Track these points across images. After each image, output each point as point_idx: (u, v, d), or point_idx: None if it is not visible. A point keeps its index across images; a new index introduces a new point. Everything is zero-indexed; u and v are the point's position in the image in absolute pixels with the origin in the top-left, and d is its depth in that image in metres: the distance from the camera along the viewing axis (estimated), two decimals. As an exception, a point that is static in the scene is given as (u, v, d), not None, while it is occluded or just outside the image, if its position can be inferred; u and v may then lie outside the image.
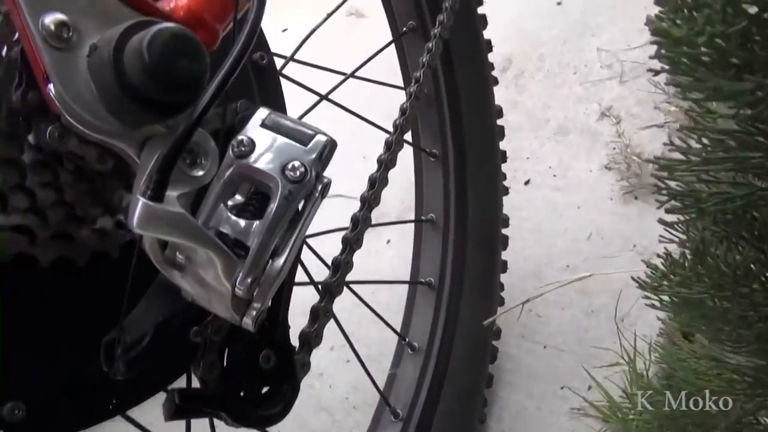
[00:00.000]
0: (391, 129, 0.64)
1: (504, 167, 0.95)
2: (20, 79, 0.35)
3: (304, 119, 0.66)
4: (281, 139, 0.39)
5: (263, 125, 0.40)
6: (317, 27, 0.76)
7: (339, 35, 1.65)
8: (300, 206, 0.40)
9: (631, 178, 1.09)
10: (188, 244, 0.35)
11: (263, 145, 0.39)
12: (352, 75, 0.74)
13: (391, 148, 0.63)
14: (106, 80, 0.34)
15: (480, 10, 0.86)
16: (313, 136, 0.40)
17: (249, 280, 0.37)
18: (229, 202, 0.39)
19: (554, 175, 1.15)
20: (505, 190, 0.93)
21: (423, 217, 0.88)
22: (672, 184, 0.42)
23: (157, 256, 0.37)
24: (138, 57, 0.32)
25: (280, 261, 0.40)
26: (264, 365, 0.47)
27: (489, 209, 0.90)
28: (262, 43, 0.59)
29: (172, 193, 0.35)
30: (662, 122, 1.16)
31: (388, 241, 1.17)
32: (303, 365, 0.51)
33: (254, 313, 0.40)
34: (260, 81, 0.58)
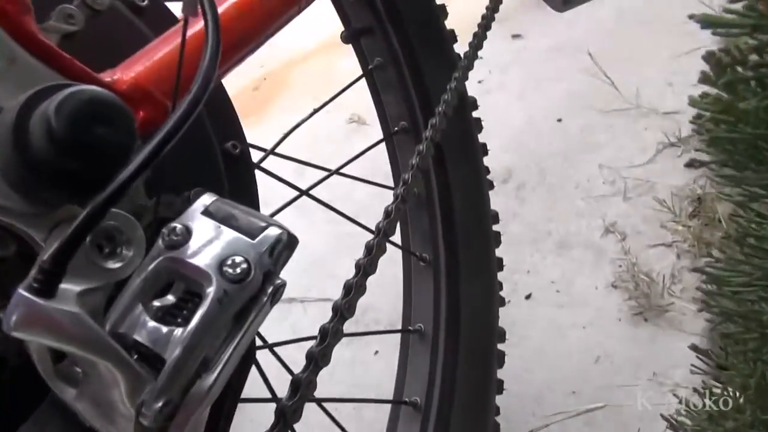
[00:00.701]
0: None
1: (504, 280, 0.88)
2: None
3: (279, 216, 0.60)
4: (225, 230, 0.33)
5: (206, 212, 0.33)
6: (301, 122, 0.72)
7: (339, 141, 1.65)
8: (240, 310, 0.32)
9: (639, 298, 1.01)
10: (79, 353, 0.27)
11: (202, 235, 0.32)
12: (337, 171, 0.70)
13: (371, 253, 0.56)
14: (6, 149, 0.28)
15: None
16: (263, 228, 0.33)
17: (159, 404, 0.29)
18: (156, 303, 0.31)
19: (557, 291, 1.08)
20: (502, 301, 0.86)
21: (410, 327, 0.79)
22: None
23: (45, 367, 0.29)
24: (44, 122, 0.27)
25: (210, 379, 0.32)
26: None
27: (484, 321, 0.81)
28: (236, 132, 0.54)
29: (72, 288, 0.28)
30: (670, 241, 1.10)
31: (377, 352, 1.07)
32: None
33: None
34: (231, 171, 0.52)
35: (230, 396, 0.41)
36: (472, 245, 0.83)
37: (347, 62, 2.05)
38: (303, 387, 0.45)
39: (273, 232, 0.33)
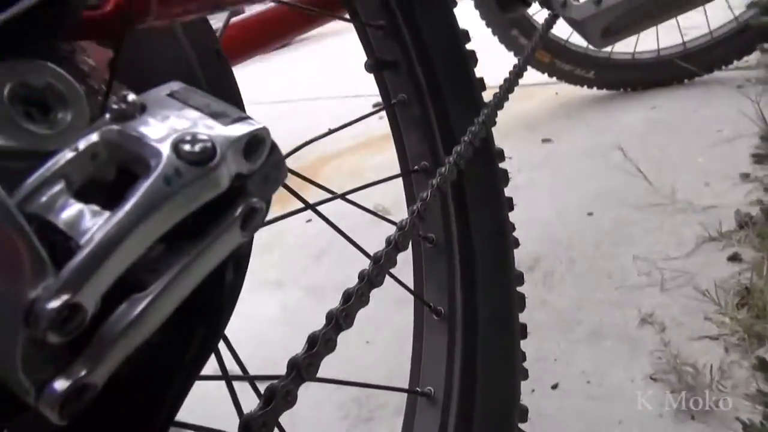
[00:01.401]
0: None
1: (528, 369, 0.77)
2: None
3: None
4: (189, 110, 0.26)
5: (170, 95, 0.27)
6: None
7: (362, 228, 1.60)
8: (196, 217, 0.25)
9: (684, 393, 0.87)
10: None
11: (159, 112, 0.25)
12: (342, 196, 0.64)
13: (363, 280, 0.48)
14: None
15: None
16: (241, 119, 0.26)
17: (56, 304, 0.21)
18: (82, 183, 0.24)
19: (588, 382, 0.95)
20: (525, 374, 0.74)
21: (418, 389, 0.68)
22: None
23: None
24: None
25: (137, 309, 0.23)
26: None
27: (502, 394, 0.69)
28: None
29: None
30: (716, 334, 0.98)
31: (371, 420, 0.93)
32: None
33: (65, 383, 0.22)
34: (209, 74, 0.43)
35: (184, 357, 0.31)
36: (494, 305, 0.73)
37: (377, 160, 2.07)
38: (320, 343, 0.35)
39: (253, 125, 0.26)
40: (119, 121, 0.25)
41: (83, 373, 0.22)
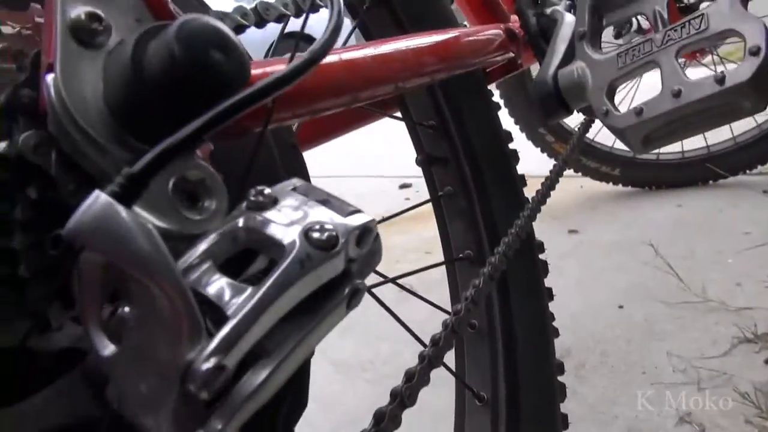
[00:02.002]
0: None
1: None
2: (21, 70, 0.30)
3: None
4: (314, 204, 0.30)
5: (294, 189, 0.31)
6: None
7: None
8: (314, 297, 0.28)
9: (730, 499, 0.85)
10: (140, 275, 0.24)
11: (289, 204, 0.30)
12: (393, 280, 0.67)
13: (413, 380, 0.50)
14: (122, 77, 0.28)
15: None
16: (355, 212, 0.31)
17: (211, 365, 0.24)
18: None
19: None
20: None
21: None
22: None
23: (91, 310, 0.25)
24: (164, 46, 0.27)
25: (263, 373, 0.27)
26: None
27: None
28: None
29: (147, 217, 0.26)
30: (759, 439, 0.96)
31: None
32: None
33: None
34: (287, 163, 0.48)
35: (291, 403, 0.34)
36: (535, 393, 0.74)
37: (402, 239, 2.12)
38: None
39: (365, 218, 0.31)
40: (256, 210, 0.29)
41: (219, 427, 0.25)
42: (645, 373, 1.18)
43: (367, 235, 0.30)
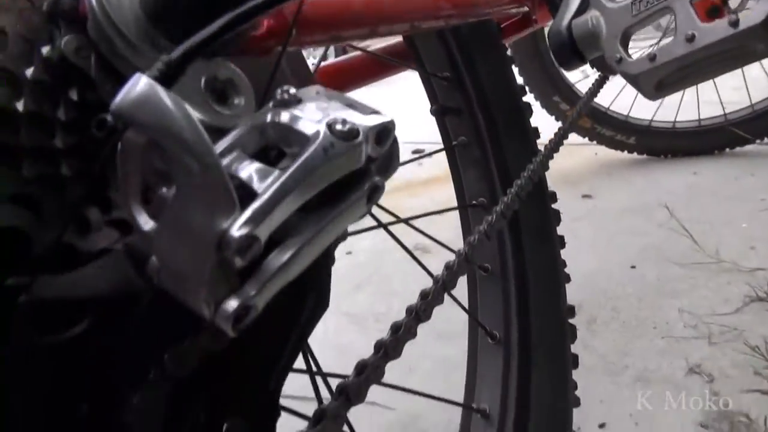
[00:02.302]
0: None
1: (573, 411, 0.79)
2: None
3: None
4: (335, 103, 0.32)
5: (318, 93, 0.33)
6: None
7: (403, 264, 1.65)
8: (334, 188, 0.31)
9: (736, 441, 0.87)
10: (179, 151, 0.26)
11: (312, 104, 0.32)
12: (405, 221, 0.69)
13: (428, 297, 0.52)
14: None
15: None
16: (375, 112, 0.33)
17: (246, 231, 0.27)
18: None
19: (636, 424, 0.95)
20: (576, 401, 0.76)
21: (474, 406, 0.70)
22: None
23: (132, 185, 0.28)
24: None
25: (290, 251, 0.29)
26: (231, 437, 0.32)
27: (556, 417, 0.71)
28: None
29: (183, 103, 0.28)
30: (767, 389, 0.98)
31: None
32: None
33: (237, 301, 0.28)
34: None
35: (299, 318, 0.36)
36: (547, 333, 0.77)
37: (414, 202, 2.14)
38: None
39: (385, 118, 0.33)
40: (282, 107, 0.31)
41: (252, 293, 0.28)
42: (656, 328, 1.20)
43: (386, 134, 0.32)
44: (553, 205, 0.86)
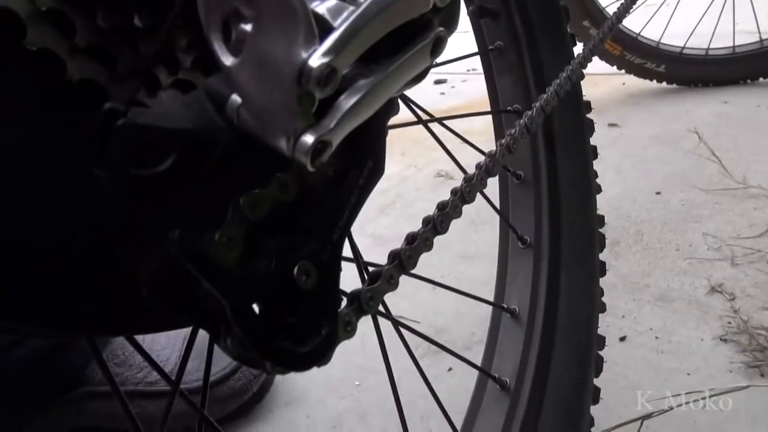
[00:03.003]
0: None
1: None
2: None
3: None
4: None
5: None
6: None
7: (425, 190, 1.66)
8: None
9: (756, 352, 0.89)
10: None
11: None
12: (439, 120, 0.69)
13: (473, 180, 0.52)
14: None
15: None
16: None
17: (325, 60, 0.27)
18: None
19: (656, 338, 0.98)
20: (603, 306, 0.78)
21: (504, 305, 0.73)
22: None
23: (214, 16, 0.28)
24: None
25: (361, 92, 0.30)
26: (300, 280, 0.33)
27: (583, 311, 0.74)
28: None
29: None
30: (788, 306, 1.00)
31: (450, 369, 0.98)
32: (347, 323, 0.36)
33: (315, 135, 0.29)
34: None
35: (359, 179, 0.37)
36: (577, 231, 0.78)
37: (437, 129, 2.12)
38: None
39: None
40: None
41: (330, 125, 0.29)
42: (679, 250, 1.21)
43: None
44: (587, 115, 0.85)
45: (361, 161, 0.39)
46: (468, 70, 2.69)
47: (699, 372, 0.89)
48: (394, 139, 2.26)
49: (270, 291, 0.32)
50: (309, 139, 0.29)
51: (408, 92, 0.77)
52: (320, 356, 0.33)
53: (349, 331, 0.37)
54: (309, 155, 0.29)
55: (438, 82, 2.65)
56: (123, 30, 0.34)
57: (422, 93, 2.60)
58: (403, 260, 0.42)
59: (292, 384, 1.02)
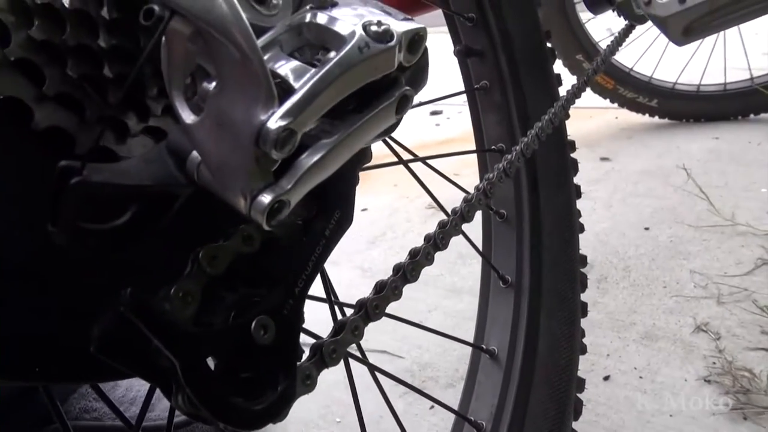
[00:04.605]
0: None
1: (580, 360, 0.81)
2: None
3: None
4: (369, 7, 0.33)
5: (352, -2, 0.34)
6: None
7: (415, 222, 1.66)
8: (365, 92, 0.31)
9: (739, 394, 0.89)
10: (228, 45, 0.26)
11: (346, 7, 0.32)
12: (423, 160, 0.69)
13: (446, 227, 0.52)
14: None
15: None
16: (408, 19, 0.33)
17: (284, 123, 0.27)
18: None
19: (640, 377, 0.97)
20: (583, 348, 0.78)
21: (483, 346, 0.72)
22: None
23: (177, 78, 0.28)
24: None
25: (322, 151, 0.30)
26: (257, 335, 0.33)
27: (562, 362, 0.73)
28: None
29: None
30: (773, 347, 0.99)
31: (432, 407, 0.97)
32: (307, 377, 0.36)
33: (272, 195, 0.29)
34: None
35: (326, 230, 0.37)
36: (559, 274, 0.78)
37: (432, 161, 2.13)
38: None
39: (418, 25, 0.33)
40: (319, 9, 0.32)
41: (286, 188, 0.29)
42: (666, 287, 1.20)
43: (419, 41, 0.33)
44: (571, 155, 0.86)
45: (328, 211, 0.39)
46: (464, 102, 2.72)
47: (681, 414, 0.88)
48: (386, 171, 2.26)
49: (225, 347, 0.32)
50: (266, 198, 0.29)
51: (402, 123, 0.77)
52: (275, 413, 0.33)
53: (309, 385, 0.36)
54: (264, 215, 0.29)
55: (434, 113, 2.67)
56: (92, 78, 0.35)
57: (418, 124, 2.62)
58: (369, 311, 0.41)
59: (272, 417, 1.01)
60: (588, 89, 2.18)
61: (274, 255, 0.36)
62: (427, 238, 0.49)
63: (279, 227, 0.36)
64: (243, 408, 0.32)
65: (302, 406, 1.02)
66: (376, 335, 1.17)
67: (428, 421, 0.94)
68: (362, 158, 0.42)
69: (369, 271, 1.45)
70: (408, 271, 0.46)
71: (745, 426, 0.84)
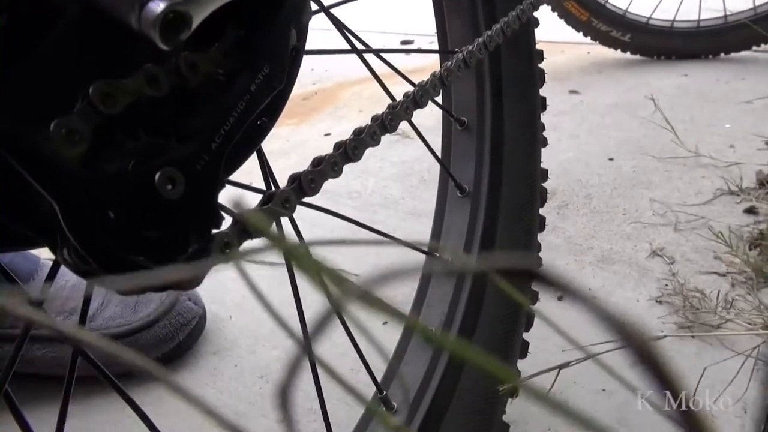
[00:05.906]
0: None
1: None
2: None
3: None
4: None
5: None
6: None
7: (381, 148, 1.61)
8: None
9: (687, 313, 0.90)
10: None
11: None
12: (377, 51, 0.64)
13: (397, 108, 0.49)
14: None
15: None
16: None
17: None
18: None
19: (594, 297, 0.97)
20: (539, 246, 0.76)
21: (437, 255, 0.70)
22: None
23: None
24: None
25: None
26: (162, 188, 0.29)
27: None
28: None
29: None
30: (724, 271, 1.00)
31: (385, 323, 0.96)
32: (225, 245, 0.32)
33: (164, 3, 0.24)
34: None
35: (251, 85, 0.33)
36: (516, 186, 0.75)
37: (396, 90, 2.07)
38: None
39: None
40: None
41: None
42: (625, 215, 1.20)
43: None
44: (539, 65, 0.82)
45: (255, 65, 0.34)
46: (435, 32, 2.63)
47: (632, 333, 0.89)
48: (352, 97, 2.20)
49: (123, 196, 0.28)
50: (158, 6, 0.24)
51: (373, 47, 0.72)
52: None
53: (227, 254, 0.33)
54: (157, 27, 0.24)
55: (404, 42, 2.58)
56: None
57: (388, 53, 2.54)
58: (304, 184, 0.38)
59: (221, 333, 0.98)
60: (562, 21, 2.11)
61: (186, 103, 0.31)
62: (375, 118, 0.45)
63: (194, 74, 0.32)
64: (144, 267, 0.28)
65: (254, 320, 1.00)
66: (331, 253, 1.14)
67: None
68: (299, 11, 0.37)
69: (329, 193, 1.41)
70: (350, 148, 0.42)
71: (693, 343, 0.85)
